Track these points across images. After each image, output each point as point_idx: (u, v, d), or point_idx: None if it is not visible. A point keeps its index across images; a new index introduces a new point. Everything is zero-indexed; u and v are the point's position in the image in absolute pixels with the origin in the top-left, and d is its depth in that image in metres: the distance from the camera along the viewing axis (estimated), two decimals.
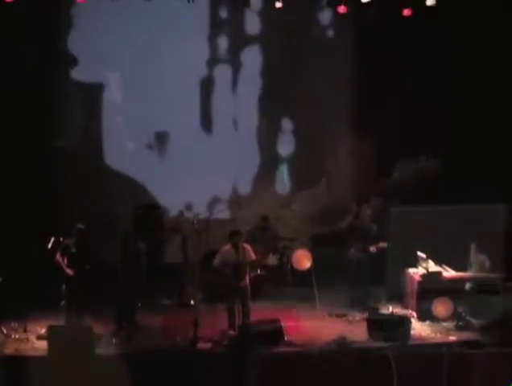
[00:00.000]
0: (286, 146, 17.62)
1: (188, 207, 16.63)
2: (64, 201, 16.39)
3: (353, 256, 15.00)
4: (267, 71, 17.37)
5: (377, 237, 14.96)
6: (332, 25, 17.38)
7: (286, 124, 17.59)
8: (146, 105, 16.75)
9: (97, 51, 16.40)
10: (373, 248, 14.85)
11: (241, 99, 17.41)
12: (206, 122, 17.32)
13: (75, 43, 16.54)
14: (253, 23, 17.24)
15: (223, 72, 17.36)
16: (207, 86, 17.28)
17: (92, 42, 16.38)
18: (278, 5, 15.31)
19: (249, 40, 17.36)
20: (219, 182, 16.94)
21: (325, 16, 17.26)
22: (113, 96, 16.86)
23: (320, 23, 17.40)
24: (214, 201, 17.10)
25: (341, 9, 15.35)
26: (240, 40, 17.36)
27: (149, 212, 16.16)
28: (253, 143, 17.47)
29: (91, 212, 15.84)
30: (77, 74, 16.61)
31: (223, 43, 17.33)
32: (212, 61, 17.31)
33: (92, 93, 16.72)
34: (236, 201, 16.77)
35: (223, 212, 16.57)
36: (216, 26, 17.22)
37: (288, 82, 17.23)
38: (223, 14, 17.20)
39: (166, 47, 16.71)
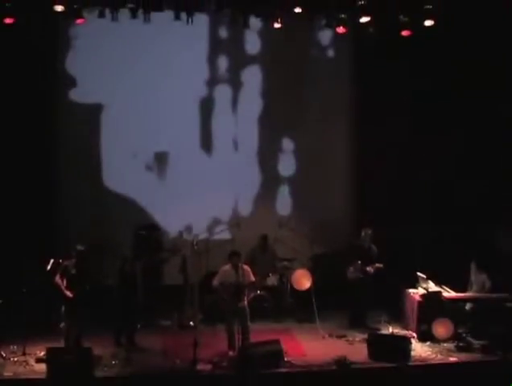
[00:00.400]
0: (286, 166, 17.60)
1: (188, 227, 16.63)
2: (63, 223, 16.44)
3: (352, 275, 14.97)
4: (267, 91, 17.39)
5: (377, 258, 14.93)
6: (331, 45, 17.42)
7: (287, 144, 17.57)
8: (146, 126, 16.78)
9: (96, 72, 16.45)
10: (369, 269, 14.81)
11: (241, 119, 17.40)
12: (206, 142, 17.30)
13: (74, 64, 16.57)
14: (252, 43, 17.27)
15: (223, 92, 17.36)
16: (207, 106, 17.28)
17: (91, 63, 16.42)
18: (277, 25, 15.31)
19: (249, 60, 17.38)
20: (219, 203, 16.91)
21: (325, 36, 17.28)
22: (112, 117, 16.82)
23: (320, 43, 17.43)
24: (214, 222, 17.00)
25: (340, 29, 15.37)
26: (240, 60, 17.37)
27: (148, 233, 16.11)
28: (253, 163, 17.44)
29: (90, 234, 15.83)
30: (76, 95, 16.63)
31: (223, 63, 17.34)
32: (212, 81, 17.32)
33: (91, 114, 16.69)
34: (235, 221, 16.69)
35: (223, 233, 16.54)
36: (215, 47, 17.24)
37: (288, 102, 17.25)
38: (223, 34, 17.21)
39: (165, 68, 16.73)
